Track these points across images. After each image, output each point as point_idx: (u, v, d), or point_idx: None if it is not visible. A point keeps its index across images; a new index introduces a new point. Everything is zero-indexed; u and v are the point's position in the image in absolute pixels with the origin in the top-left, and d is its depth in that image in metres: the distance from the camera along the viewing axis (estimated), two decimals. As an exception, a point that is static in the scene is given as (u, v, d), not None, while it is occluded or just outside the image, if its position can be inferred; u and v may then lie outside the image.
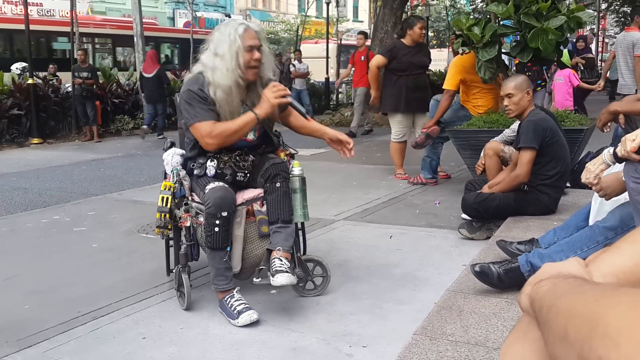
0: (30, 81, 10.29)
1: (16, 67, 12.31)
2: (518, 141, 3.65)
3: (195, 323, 2.66)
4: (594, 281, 0.74)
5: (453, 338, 2.06)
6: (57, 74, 13.15)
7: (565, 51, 7.68)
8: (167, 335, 2.56)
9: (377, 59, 6.18)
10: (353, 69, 11.07)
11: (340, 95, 17.85)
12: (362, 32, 11.40)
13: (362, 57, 10.36)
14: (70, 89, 10.93)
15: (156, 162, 3.02)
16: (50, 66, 14.12)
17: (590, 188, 2.56)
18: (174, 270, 3.00)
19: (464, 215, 3.89)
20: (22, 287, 3.23)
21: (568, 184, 4.10)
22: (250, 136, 2.92)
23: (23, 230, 4.53)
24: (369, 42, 11.55)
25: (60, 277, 3.39)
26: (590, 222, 2.64)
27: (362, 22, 36.59)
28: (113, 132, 11.41)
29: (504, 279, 2.46)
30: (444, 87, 5.49)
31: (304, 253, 3.08)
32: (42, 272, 3.50)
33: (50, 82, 11.79)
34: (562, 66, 7.67)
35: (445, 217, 4.47)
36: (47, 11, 21.28)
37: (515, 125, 4.09)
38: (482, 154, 4.16)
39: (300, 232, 3.08)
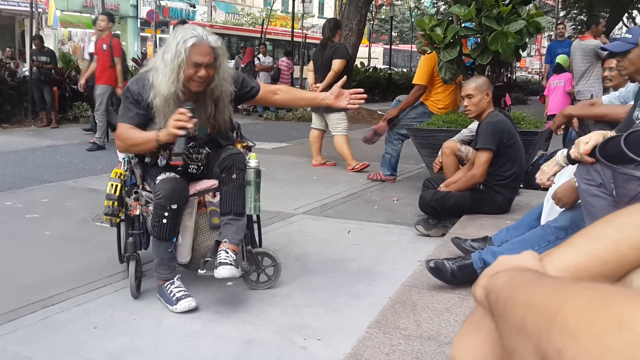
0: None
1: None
2: (476, 142, 3.72)
3: (149, 314, 2.63)
4: (551, 275, 0.75)
5: (406, 332, 2.09)
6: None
7: (565, 56, 7.70)
8: (119, 325, 2.52)
9: (343, 63, 6.40)
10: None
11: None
12: (105, 13, 8.46)
13: (105, 46, 7.91)
14: (27, 73, 10.62)
15: (114, 151, 2.97)
16: (7, 49, 13.70)
17: (545, 189, 2.64)
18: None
19: (420, 212, 3.95)
20: (-31, 274, 3.14)
21: (522, 185, 4.20)
22: (201, 135, 2.83)
23: (-28, 216, 4.39)
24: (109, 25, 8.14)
25: (10, 265, 3.30)
26: (542, 222, 2.72)
27: (327, 18, 36.65)
28: (70, 118, 11.13)
29: (457, 275, 2.51)
30: (414, 82, 5.70)
31: (260, 246, 3.07)
32: (-9, 259, 3.40)
33: (7, 65, 11.42)
34: (561, 70, 7.69)
35: (402, 213, 4.53)
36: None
37: (473, 126, 4.17)
38: (439, 153, 4.23)
39: (255, 225, 3.08)
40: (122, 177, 2.82)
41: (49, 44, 11.32)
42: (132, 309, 2.68)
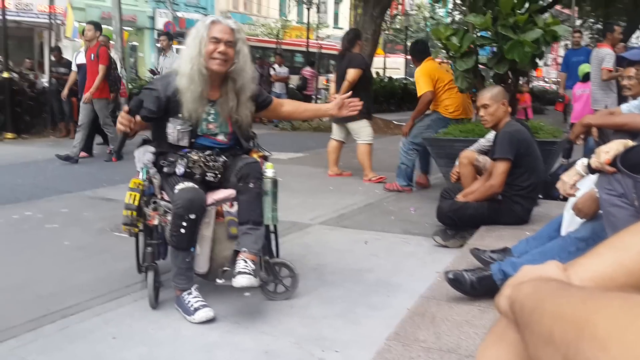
0: (5, 75, 10.11)
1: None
2: (494, 152, 3.69)
3: (167, 324, 2.64)
4: (578, 285, 0.74)
5: (425, 344, 2.07)
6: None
7: (587, 65, 7.64)
8: (138, 335, 2.53)
9: (358, 72, 6.33)
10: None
11: (319, 101, 17.91)
12: (91, 22, 8.10)
13: (92, 55, 7.75)
14: (46, 84, 10.77)
15: (132, 162, 2.99)
16: (27, 61, 13.89)
17: (565, 199, 2.61)
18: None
19: (438, 222, 3.93)
20: (-10, 283, 3.17)
21: (540, 195, 4.16)
22: (221, 137, 2.92)
23: (-7, 226, 4.44)
24: (100, 37, 7.96)
25: (30, 274, 3.33)
26: (562, 233, 2.69)
27: (342, 28, 36.70)
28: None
29: (477, 287, 2.49)
30: (419, 94, 5.78)
31: (277, 256, 3.07)
32: (12, 269, 3.43)
33: (27, 76, 11.59)
34: (587, 78, 7.62)
35: (420, 224, 4.50)
36: (26, 5, 20.91)
37: (491, 135, 4.14)
38: (456, 162, 4.21)
39: (273, 236, 3.08)
40: (140, 187, 2.84)
41: (68, 55, 11.43)
42: (151, 319, 2.69)
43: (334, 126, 6.88)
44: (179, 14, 23.31)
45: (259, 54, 20.07)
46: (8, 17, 10.77)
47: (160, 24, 26.00)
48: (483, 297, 2.47)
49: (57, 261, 3.58)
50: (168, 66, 9.06)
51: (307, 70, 16.83)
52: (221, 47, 2.73)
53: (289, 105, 3.28)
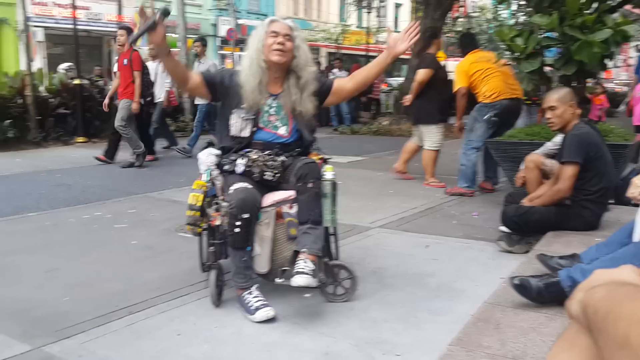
0: (77, 82, 10.56)
1: (62, 67, 12.64)
2: (561, 155, 3.58)
3: (230, 322, 2.68)
4: None
5: (489, 351, 2.02)
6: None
7: None
8: (202, 333, 2.58)
9: (427, 73, 6.17)
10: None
11: (381, 107, 17.88)
12: (124, 27, 8.14)
13: (125, 61, 7.80)
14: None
15: (196, 164, 3.07)
16: (96, 68, 14.48)
17: (636, 204, 2.50)
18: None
19: (503, 228, 3.83)
20: (62, 280, 3.31)
21: (611, 201, 4.00)
22: (282, 131, 2.96)
23: (66, 225, 4.64)
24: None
25: (99, 272, 3.46)
26: (635, 239, 2.57)
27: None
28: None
29: (544, 294, 2.41)
30: (455, 90, 5.85)
31: (336, 259, 3.07)
32: (83, 266, 3.58)
33: (96, 83, 12.07)
34: None
35: (483, 228, 4.41)
36: (95, 15, 21.82)
37: (558, 138, 4.02)
38: (522, 166, 4.10)
39: (332, 238, 3.08)
40: (203, 188, 2.91)
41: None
42: (214, 317, 2.74)
43: (414, 130, 6.74)
44: (241, 21, 23.74)
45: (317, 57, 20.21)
46: (79, 27, 11.25)
47: (222, 31, 26.56)
48: (550, 305, 2.39)
49: (125, 260, 3.70)
50: (151, 72, 9.02)
51: None
52: (279, 39, 2.86)
53: (352, 79, 3.17)
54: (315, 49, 27.64)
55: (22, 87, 10.06)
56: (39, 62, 17.46)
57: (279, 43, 2.85)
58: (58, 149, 9.90)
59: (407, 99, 6.43)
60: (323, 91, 3.07)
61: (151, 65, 9.23)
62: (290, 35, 2.89)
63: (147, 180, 6.86)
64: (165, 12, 2.74)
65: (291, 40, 2.89)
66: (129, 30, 7.85)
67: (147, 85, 8.12)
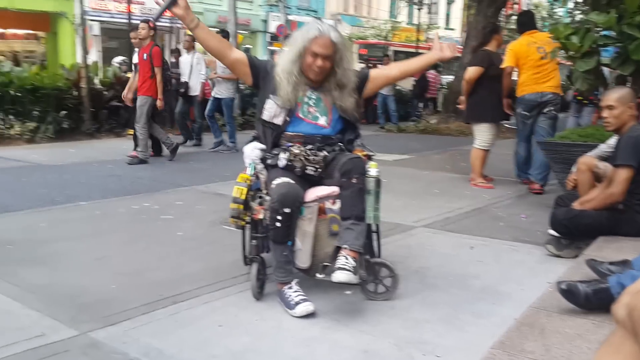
0: (129, 75, 10.81)
1: (116, 60, 12.97)
2: (615, 157, 3.45)
3: (270, 316, 2.70)
4: None
5: (533, 356, 1.97)
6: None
7: None
8: (242, 325, 2.61)
9: (476, 70, 6.05)
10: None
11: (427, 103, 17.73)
12: (145, 21, 7.84)
13: (145, 55, 7.54)
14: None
15: (241, 158, 3.10)
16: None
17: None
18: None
19: (552, 231, 3.73)
20: (110, 267, 3.40)
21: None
22: (322, 121, 2.97)
23: (115, 214, 4.77)
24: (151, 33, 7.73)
25: (146, 261, 3.53)
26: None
27: (453, 29, 36.00)
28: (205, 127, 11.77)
29: (592, 300, 2.33)
30: (502, 66, 5.88)
31: (378, 256, 3.05)
32: (130, 255, 3.67)
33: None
34: None
35: (531, 231, 4.30)
36: (149, 10, 22.32)
37: (612, 140, 3.88)
38: (574, 169, 3.98)
39: (375, 236, 3.06)
40: (248, 181, 2.93)
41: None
42: (255, 310, 2.76)
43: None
44: (291, 17, 23.89)
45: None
46: (133, 21, 11.52)
47: (272, 27, 26.79)
48: (598, 311, 2.31)
49: (171, 250, 3.78)
50: (185, 64, 9.23)
51: (431, 73, 16.96)
52: (319, 62, 2.85)
53: (397, 67, 3.29)
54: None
55: (77, 80, 10.39)
56: (94, 56, 17.96)
57: (318, 66, 2.85)
58: (110, 141, 10.18)
59: (462, 101, 6.30)
60: (361, 83, 3.09)
61: (185, 58, 9.35)
62: (331, 54, 2.86)
63: (194, 173, 6.98)
64: None
65: (331, 58, 2.86)
66: (148, 24, 7.64)
67: (165, 82, 7.92)
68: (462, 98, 6.25)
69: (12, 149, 8.75)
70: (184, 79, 9.39)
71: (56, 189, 5.75)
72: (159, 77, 7.54)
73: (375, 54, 21.46)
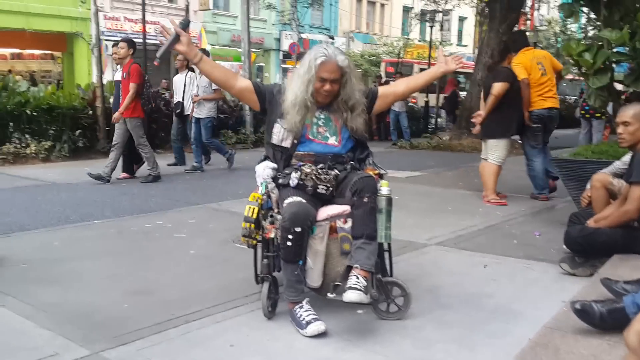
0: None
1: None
2: (630, 174, 3.42)
3: (282, 336, 2.69)
4: None
5: (547, 377, 1.95)
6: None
7: None
8: (254, 345, 2.60)
9: (503, 86, 5.99)
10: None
11: (439, 119, 17.69)
12: (125, 40, 7.81)
13: (125, 74, 7.45)
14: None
15: (254, 177, 3.11)
16: (163, 81, 14.95)
17: None
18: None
19: (566, 249, 3.69)
20: (123, 285, 3.41)
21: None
22: (332, 140, 2.99)
23: (128, 232, 4.79)
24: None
25: (158, 280, 3.54)
26: None
27: (466, 46, 36.01)
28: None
29: (607, 320, 2.30)
30: (519, 78, 6.03)
31: (390, 275, 3.03)
32: (143, 274, 3.68)
33: (162, 95, 12.46)
34: None
35: (545, 249, 4.26)
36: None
37: (627, 157, 3.85)
38: (588, 186, 3.95)
39: (386, 254, 3.05)
40: (259, 200, 2.94)
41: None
42: (266, 330, 2.75)
43: (483, 145, 6.42)
44: (304, 36, 24.07)
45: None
46: (148, 41, 11.65)
47: (285, 45, 26.97)
48: (613, 331, 2.28)
49: (183, 269, 3.78)
50: (178, 84, 9.20)
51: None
52: (327, 87, 2.92)
53: (404, 82, 3.34)
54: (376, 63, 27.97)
55: (92, 99, 10.51)
56: (109, 75, 18.18)
57: (325, 90, 2.92)
58: (125, 159, 10.23)
59: (478, 115, 6.20)
60: (370, 101, 3.13)
61: (179, 78, 9.42)
62: (338, 78, 2.93)
63: (207, 191, 7.01)
64: (185, 23, 2.94)
65: (339, 81, 2.93)
66: (129, 43, 7.63)
67: (148, 99, 7.86)
68: (480, 113, 6.17)
69: (28, 167, 8.85)
70: (177, 98, 9.45)
71: (70, 207, 5.80)
72: (131, 92, 7.34)
73: (402, 71, 21.70)
